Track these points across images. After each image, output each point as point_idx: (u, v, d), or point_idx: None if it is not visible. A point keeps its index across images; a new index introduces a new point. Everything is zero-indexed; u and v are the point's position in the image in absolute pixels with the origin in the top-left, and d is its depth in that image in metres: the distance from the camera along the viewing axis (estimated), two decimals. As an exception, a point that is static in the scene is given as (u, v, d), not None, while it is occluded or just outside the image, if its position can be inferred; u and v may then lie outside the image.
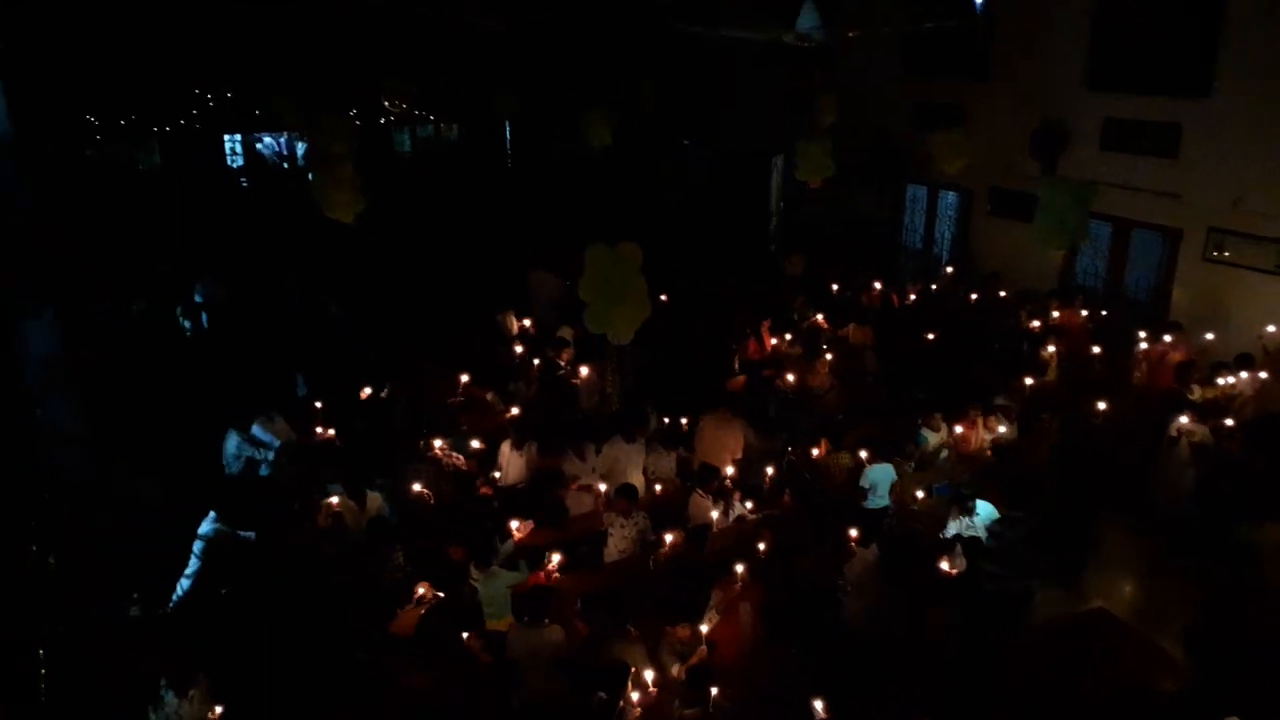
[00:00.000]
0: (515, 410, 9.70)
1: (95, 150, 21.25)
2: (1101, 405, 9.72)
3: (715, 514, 7.78)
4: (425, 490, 8.14)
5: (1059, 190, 10.88)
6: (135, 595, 6.90)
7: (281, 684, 5.88)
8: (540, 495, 8.23)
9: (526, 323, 12.33)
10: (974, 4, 14.46)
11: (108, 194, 18.46)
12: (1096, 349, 11.02)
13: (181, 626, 6.57)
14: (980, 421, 9.46)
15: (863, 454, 8.68)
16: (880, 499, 8.33)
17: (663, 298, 11.52)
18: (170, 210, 18.96)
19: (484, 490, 8.51)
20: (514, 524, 7.68)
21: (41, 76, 13.91)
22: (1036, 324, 11.73)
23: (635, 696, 5.76)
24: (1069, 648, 6.61)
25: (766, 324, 11.92)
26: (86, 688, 3.61)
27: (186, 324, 12.86)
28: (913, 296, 13.42)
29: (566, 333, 11.18)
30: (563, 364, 10.89)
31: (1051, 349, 10.91)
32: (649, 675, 5.92)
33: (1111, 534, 8.77)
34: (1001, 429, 9.37)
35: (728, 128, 19.59)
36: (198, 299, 13.03)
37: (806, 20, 8.31)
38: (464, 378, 10.28)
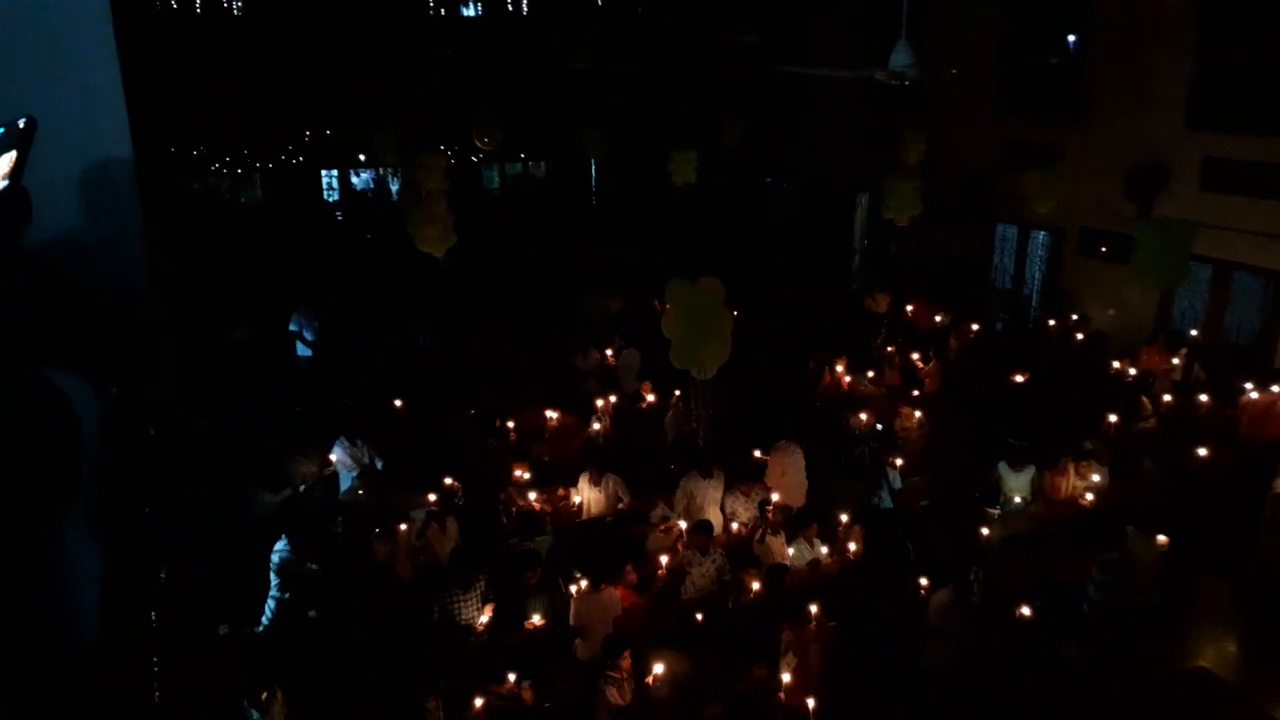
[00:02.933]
0: (595, 430, 9.77)
1: (200, 183, 22.31)
2: (1202, 453, 9.34)
3: (791, 551, 7.69)
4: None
5: (1157, 230, 10.55)
6: (224, 613, 7.14)
7: (355, 702, 6.02)
8: (619, 533, 8.25)
9: (608, 352, 12.33)
10: (1068, 43, 14.28)
11: (211, 225, 19.34)
12: (1204, 397, 10.59)
13: (267, 646, 6.77)
14: (1072, 468, 9.17)
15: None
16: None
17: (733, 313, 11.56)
18: (269, 242, 19.72)
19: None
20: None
21: (160, 110, 14.73)
22: (1133, 371, 11.35)
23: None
24: (1166, 704, 6.32)
25: (842, 361, 11.79)
26: (181, 703, 3.75)
27: (301, 349, 13.22)
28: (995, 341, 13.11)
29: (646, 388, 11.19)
30: (644, 399, 10.97)
31: (1165, 397, 10.55)
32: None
33: (1213, 590, 8.38)
34: (1095, 477, 9.07)
35: (811, 165, 19.56)
36: (292, 328, 13.50)
37: (900, 59, 8.24)
38: (550, 413, 10.41)
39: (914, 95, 16.16)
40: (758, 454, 9.38)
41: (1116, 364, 11.52)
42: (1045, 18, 14.41)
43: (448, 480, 8.67)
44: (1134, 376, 11.14)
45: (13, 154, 1.51)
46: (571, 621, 6.91)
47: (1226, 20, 11.91)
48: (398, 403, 10.35)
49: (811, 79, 16.99)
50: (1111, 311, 13.19)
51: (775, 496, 8.46)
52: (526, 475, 8.89)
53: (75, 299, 2.45)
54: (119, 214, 2.81)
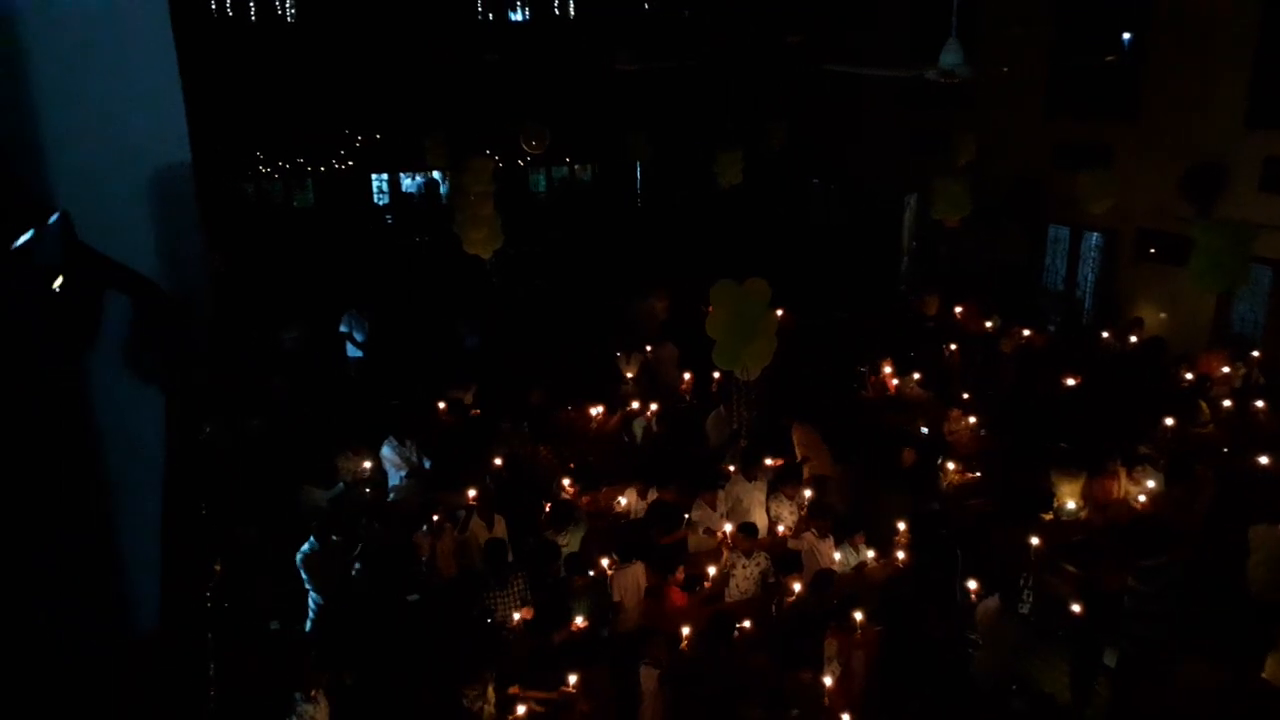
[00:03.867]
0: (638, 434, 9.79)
1: (254, 186, 22.77)
2: (1264, 460, 9.09)
3: (838, 556, 7.63)
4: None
5: (1216, 232, 10.30)
6: (275, 625, 7.28)
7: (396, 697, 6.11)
8: (653, 534, 8.23)
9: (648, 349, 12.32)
10: (1123, 41, 14.01)
11: (263, 227, 19.73)
12: (1261, 403, 10.32)
13: (315, 640, 6.88)
14: (1123, 473, 8.98)
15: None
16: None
17: (779, 312, 11.62)
18: (320, 245, 20.05)
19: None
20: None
21: (216, 115, 15.06)
22: (1190, 375, 11.08)
23: None
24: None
25: (889, 363, 11.67)
26: (236, 698, 3.85)
27: (352, 351, 13.42)
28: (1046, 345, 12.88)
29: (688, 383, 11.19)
30: (686, 398, 10.96)
31: (1225, 401, 10.30)
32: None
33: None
34: (1150, 483, 8.86)
35: (858, 166, 19.40)
36: (343, 329, 13.72)
37: (950, 57, 8.14)
38: (594, 410, 10.45)
39: (963, 95, 16.00)
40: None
41: (1174, 369, 11.27)
42: (1100, 16, 14.15)
43: (487, 479, 8.74)
44: (1191, 381, 10.89)
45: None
46: (614, 596, 7.18)
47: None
48: (441, 405, 10.45)
49: (858, 79, 16.86)
50: (1165, 315, 12.90)
51: (808, 493, 8.41)
52: (572, 486, 8.93)
53: (136, 300, 2.53)
54: (178, 218, 2.89)
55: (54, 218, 1.64)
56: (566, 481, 8.90)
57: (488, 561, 7.39)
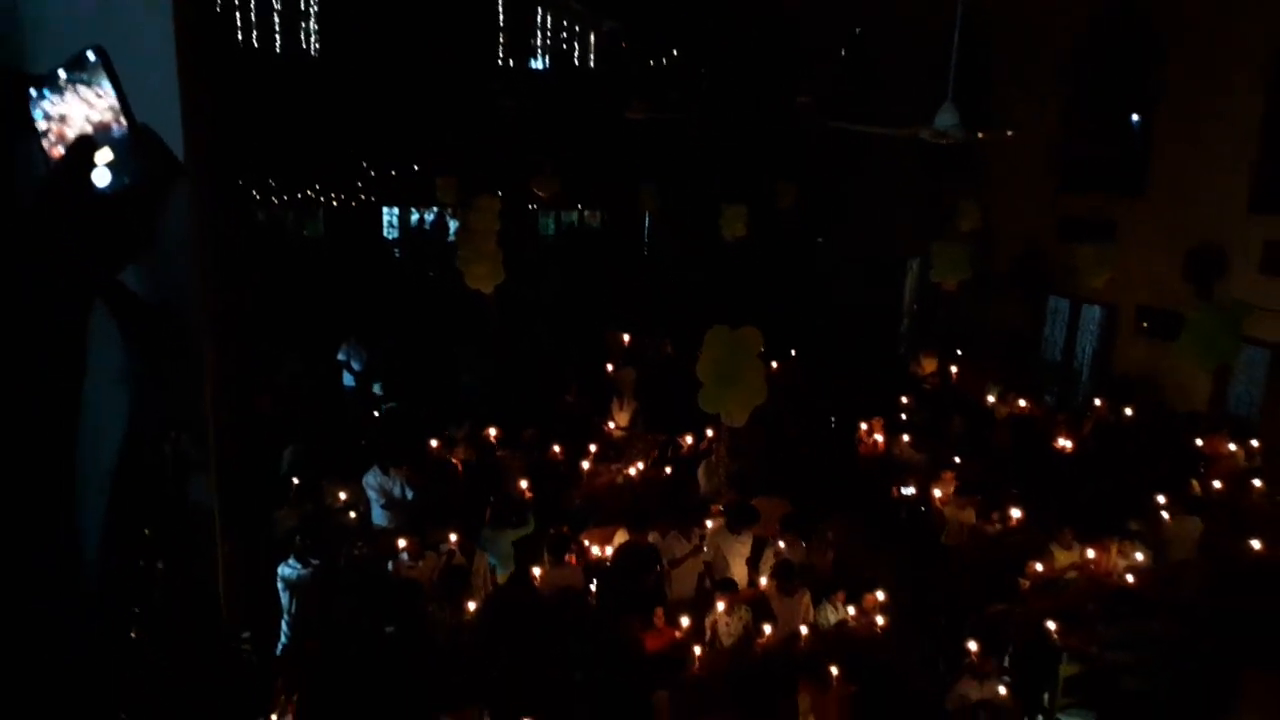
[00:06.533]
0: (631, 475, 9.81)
1: (265, 213, 22.99)
2: (1256, 545, 9.03)
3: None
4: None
5: (1209, 311, 10.35)
6: (246, 635, 7.18)
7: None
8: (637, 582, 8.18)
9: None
10: (1132, 119, 14.19)
11: (274, 256, 19.87)
12: (1258, 482, 10.28)
13: (285, 665, 6.80)
14: (1115, 547, 8.95)
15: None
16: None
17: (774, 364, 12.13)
18: (327, 274, 20.18)
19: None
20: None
21: (233, 142, 15.24)
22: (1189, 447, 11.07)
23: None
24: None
25: (879, 423, 11.67)
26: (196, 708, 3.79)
27: (349, 380, 13.48)
28: (1043, 414, 12.86)
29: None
30: (684, 447, 10.97)
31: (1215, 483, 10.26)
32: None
33: (1257, 685, 8.01)
34: (1138, 555, 8.82)
35: (864, 228, 19.55)
36: (340, 357, 13.76)
37: (946, 118, 8.27)
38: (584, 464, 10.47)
39: (971, 163, 16.20)
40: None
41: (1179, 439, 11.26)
42: (1110, 93, 14.35)
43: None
44: (1184, 459, 10.87)
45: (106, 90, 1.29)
46: (540, 587, 7.58)
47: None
48: (434, 442, 10.45)
49: (866, 143, 17.06)
50: (1163, 393, 12.90)
51: (781, 544, 8.37)
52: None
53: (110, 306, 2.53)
54: (168, 223, 2.91)
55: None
56: (524, 484, 8.99)
57: (440, 581, 7.39)
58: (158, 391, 2.68)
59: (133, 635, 2.50)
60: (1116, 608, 7.17)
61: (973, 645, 7.08)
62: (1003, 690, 6.85)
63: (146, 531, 2.40)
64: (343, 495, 9.03)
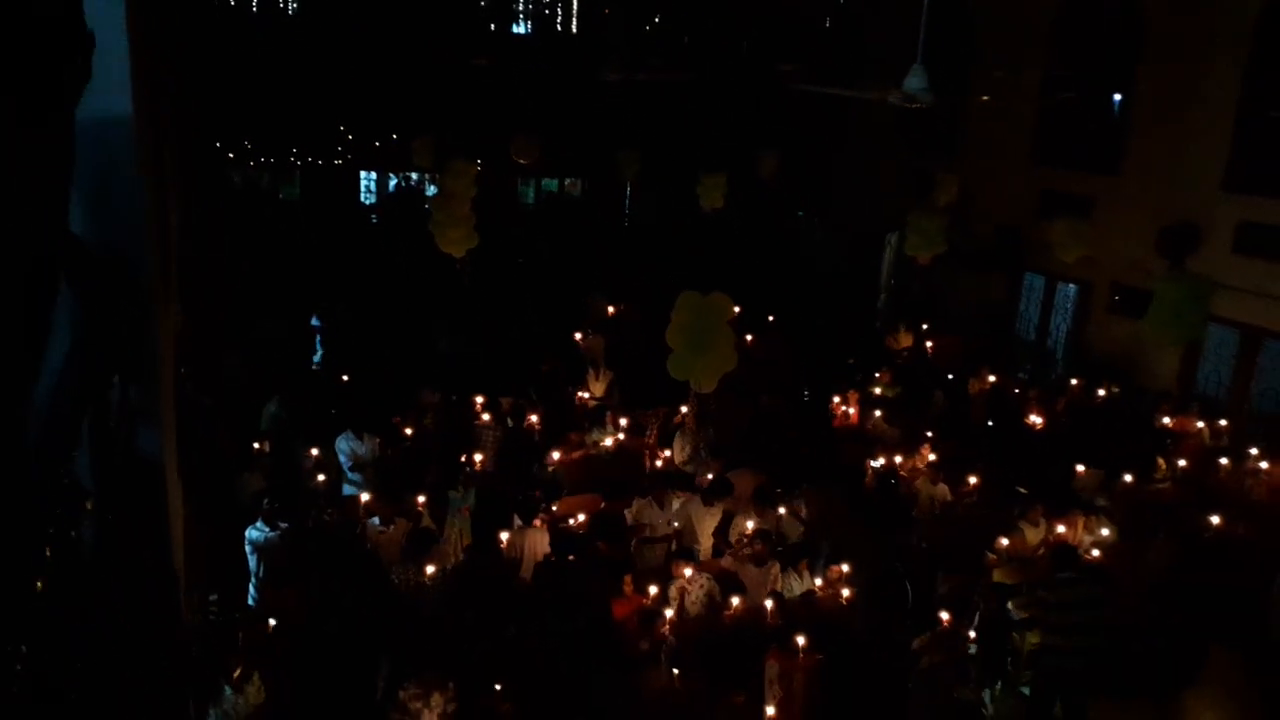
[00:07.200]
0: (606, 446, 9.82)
1: (241, 175, 22.64)
2: (1215, 520, 9.15)
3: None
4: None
5: (1176, 285, 10.43)
6: (213, 598, 7.15)
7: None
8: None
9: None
10: (1111, 96, 14.20)
11: (248, 218, 19.59)
12: (1224, 460, 10.40)
13: (250, 627, 6.76)
14: (1080, 522, 9.04)
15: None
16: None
17: (748, 338, 12.32)
18: (304, 239, 19.94)
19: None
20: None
21: (209, 101, 14.98)
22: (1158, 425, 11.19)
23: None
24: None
25: (854, 396, 11.71)
26: (154, 688, 3.74)
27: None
28: (1016, 390, 12.96)
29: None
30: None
31: (1181, 461, 10.39)
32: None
33: (1223, 660, 8.15)
34: (1104, 531, 8.93)
35: (844, 202, 19.54)
36: (315, 322, 13.63)
37: (914, 81, 8.21)
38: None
39: (949, 137, 16.19)
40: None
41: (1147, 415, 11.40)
42: (1089, 70, 14.34)
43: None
44: (1152, 436, 10.99)
45: None
46: (505, 551, 7.83)
47: (1268, 86, 11.82)
48: (401, 425, 10.37)
49: (847, 114, 17.02)
50: (1132, 370, 13.02)
51: (750, 524, 8.40)
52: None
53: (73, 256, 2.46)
54: (114, 171, 2.84)
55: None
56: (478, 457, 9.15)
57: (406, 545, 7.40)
58: (103, 338, 2.63)
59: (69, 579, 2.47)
60: (1060, 570, 7.32)
61: (944, 615, 7.17)
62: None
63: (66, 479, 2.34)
64: (314, 452, 8.97)
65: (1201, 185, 12.45)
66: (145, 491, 3.14)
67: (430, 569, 7.19)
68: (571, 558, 7.49)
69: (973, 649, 7.22)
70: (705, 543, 8.15)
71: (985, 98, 11.97)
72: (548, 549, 7.78)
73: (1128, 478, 9.84)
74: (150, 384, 3.20)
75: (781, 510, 8.73)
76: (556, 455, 9.30)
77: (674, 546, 7.92)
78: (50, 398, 2.01)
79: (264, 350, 12.27)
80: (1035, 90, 14.87)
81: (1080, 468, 10.08)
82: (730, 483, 8.95)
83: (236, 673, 5.74)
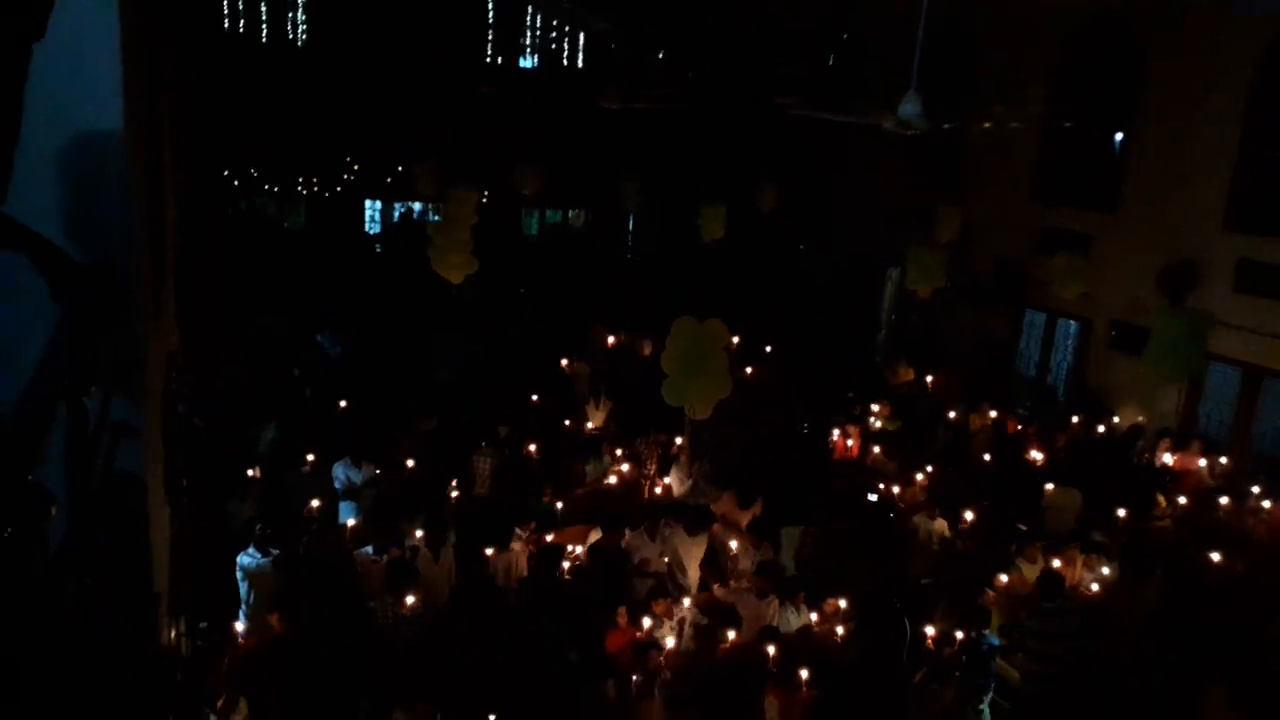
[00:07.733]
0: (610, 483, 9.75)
1: (247, 203, 22.77)
2: (1215, 557, 9.07)
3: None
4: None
5: (1173, 320, 10.40)
6: (202, 625, 7.06)
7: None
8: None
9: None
10: (1112, 133, 14.26)
11: (253, 244, 19.65)
12: (1224, 499, 10.32)
13: (235, 653, 6.68)
14: (1079, 560, 8.96)
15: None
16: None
17: (748, 371, 12.38)
18: (309, 266, 19.97)
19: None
20: None
21: (214, 129, 15.10)
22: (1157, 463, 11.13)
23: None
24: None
25: (856, 430, 11.65)
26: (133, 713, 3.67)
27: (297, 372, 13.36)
28: (1018, 426, 12.91)
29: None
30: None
31: (1180, 499, 10.32)
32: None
33: (1219, 698, 8.03)
34: (1104, 570, 8.84)
35: (846, 235, 19.57)
36: (319, 340, 13.63)
37: (908, 108, 8.22)
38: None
39: (951, 172, 16.26)
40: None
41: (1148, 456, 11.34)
42: (1090, 107, 14.41)
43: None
44: (1151, 473, 10.93)
45: None
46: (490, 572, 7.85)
47: (1269, 124, 11.87)
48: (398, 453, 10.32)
49: (848, 147, 17.11)
50: (1132, 408, 12.98)
51: (734, 544, 8.32)
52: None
53: (38, 263, 2.44)
54: (103, 185, 2.82)
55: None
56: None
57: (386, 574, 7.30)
58: (80, 343, 2.60)
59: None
60: (1047, 599, 7.27)
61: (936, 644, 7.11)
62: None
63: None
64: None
65: (1202, 223, 12.47)
66: (123, 506, 3.10)
67: (410, 600, 7.07)
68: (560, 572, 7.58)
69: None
70: (693, 574, 8.06)
71: (987, 124, 12.00)
72: (524, 571, 7.85)
73: (1121, 512, 9.77)
74: (136, 398, 3.17)
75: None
76: (560, 504, 9.18)
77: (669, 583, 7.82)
78: (19, 399, 1.98)
79: (261, 366, 12.27)
80: (1037, 127, 14.95)
81: (1049, 486, 10.07)
82: (710, 511, 8.85)
83: (221, 700, 5.65)
